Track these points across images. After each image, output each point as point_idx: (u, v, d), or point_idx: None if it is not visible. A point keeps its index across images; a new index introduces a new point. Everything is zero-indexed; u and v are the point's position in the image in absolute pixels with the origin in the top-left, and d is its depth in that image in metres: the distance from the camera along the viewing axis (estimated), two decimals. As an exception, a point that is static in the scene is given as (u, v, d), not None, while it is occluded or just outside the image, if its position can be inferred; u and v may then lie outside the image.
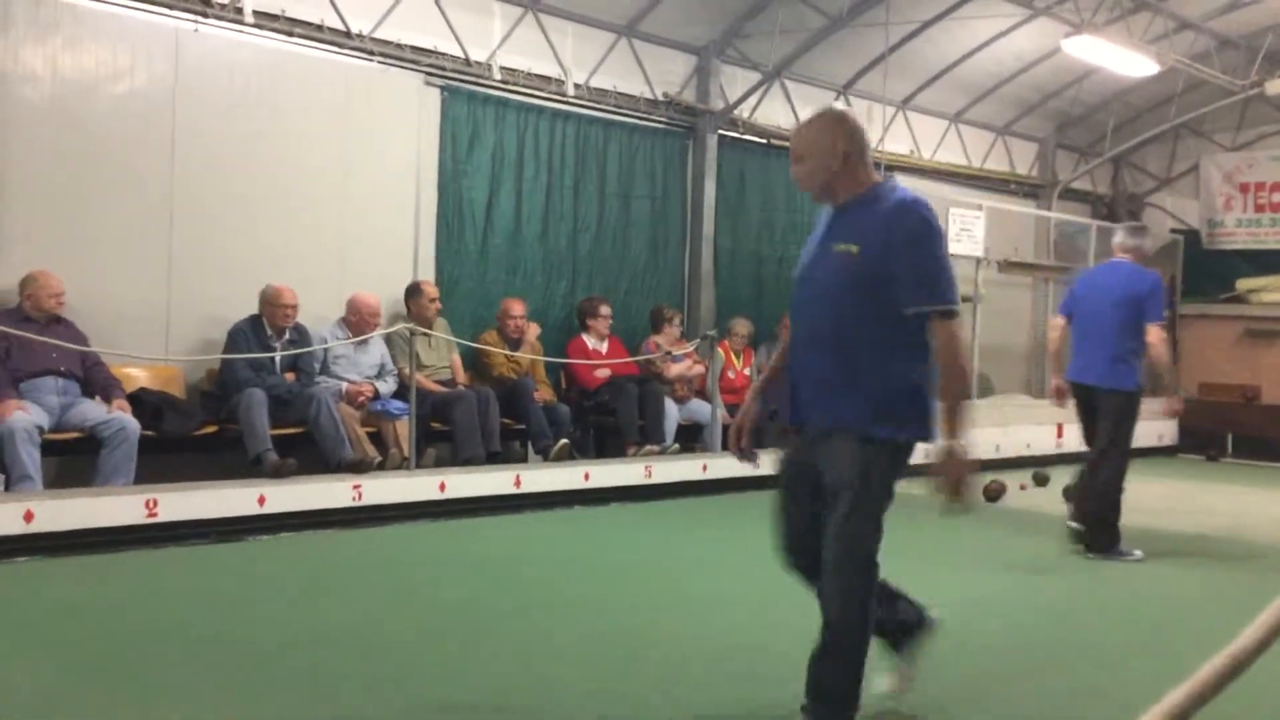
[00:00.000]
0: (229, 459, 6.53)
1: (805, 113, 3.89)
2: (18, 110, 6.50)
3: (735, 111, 10.15)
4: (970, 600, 4.89)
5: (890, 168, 11.40)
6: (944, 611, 3.44)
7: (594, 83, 9.22)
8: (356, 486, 6.43)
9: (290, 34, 7.51)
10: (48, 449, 5.80)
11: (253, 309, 6.99)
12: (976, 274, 10.67)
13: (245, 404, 6.41)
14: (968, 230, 10.49)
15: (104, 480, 5.88)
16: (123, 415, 6.05)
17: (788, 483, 3.21)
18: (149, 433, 6.15)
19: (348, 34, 7.81)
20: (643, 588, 5.13)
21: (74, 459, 6.05)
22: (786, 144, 10.49)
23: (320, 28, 7.66)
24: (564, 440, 7.72)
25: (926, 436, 3.06)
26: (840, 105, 3.55)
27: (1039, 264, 12.52)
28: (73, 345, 6.15)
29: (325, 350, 7.23)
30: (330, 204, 7.77)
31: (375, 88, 7.99)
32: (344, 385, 7.14)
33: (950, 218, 10.27)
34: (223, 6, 7.20)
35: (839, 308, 3.04)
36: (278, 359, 6.90)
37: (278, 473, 6.25)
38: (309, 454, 6.67)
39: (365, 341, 7.43)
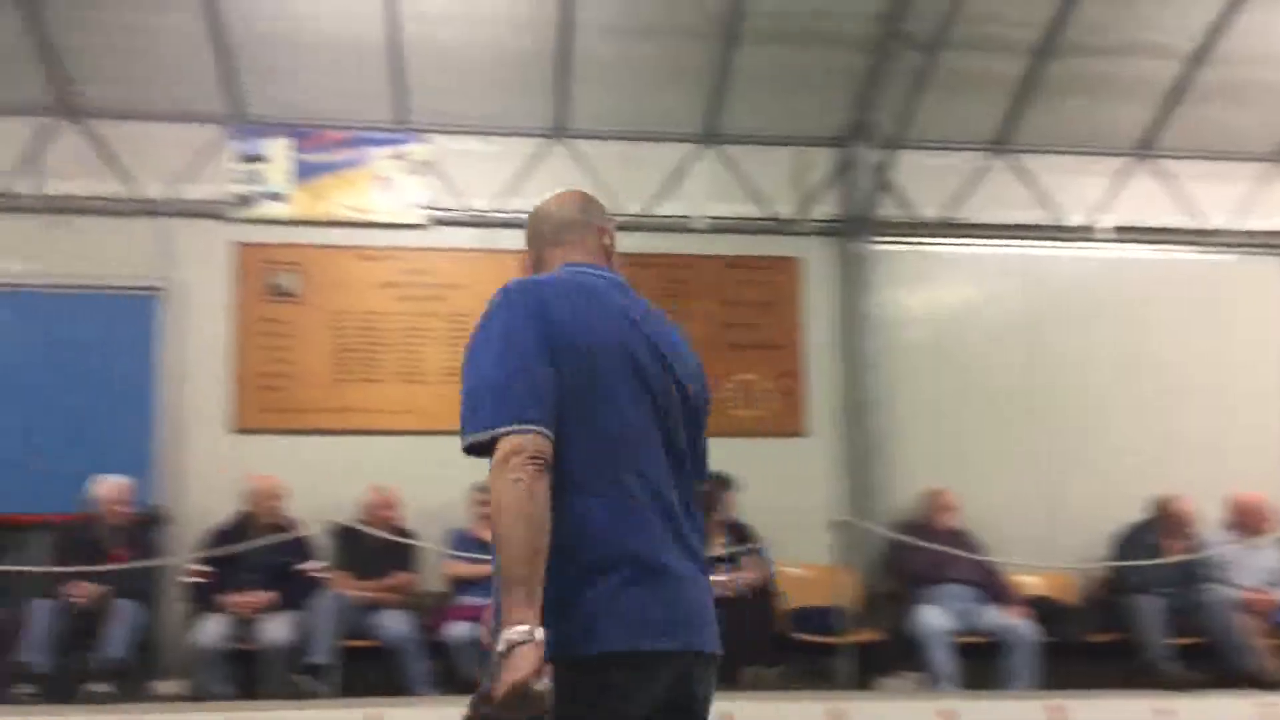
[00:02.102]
0: (1125, 666, 6.45)
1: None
2: (906, 350, 7.51)
3: None
4: None
5: None
6: None
7: None
8: (1266, 705, 5.89)
9: (1145, 241, 7.69)
10: (959, 651, 6.32)
11: (1130, 513, 6.97)
12: None
13: (1139, 611, 6.35)
14: None
15: (1007, 683, 6.22)
16: (1020, 621, 6.39)
17: None
18: (1048, 638, 6.38)
19: (1201, 231, 7.74)
20: None
21: (983, 661, 6.47)
22: None
23: (1173, 230, 7.72)
24: None
25: (595, 643, 1.94)
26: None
27: None
28: (970, 555, 6.72)
29: (1215, 556, 6.89)
30: (1196, 400, 7.56)
31: (1231, 278, 7.77)
32: (1240, 593, 6.69)
33: None
34: (1074, 229, 7.67)
35: None
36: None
37: (1178, 684, 6.02)
38: (1210, 665, 6.32)
39: (1258, 546, 6.92)
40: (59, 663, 5.79)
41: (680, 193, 7.49)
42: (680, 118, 7.41)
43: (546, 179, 7.31)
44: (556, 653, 1.88)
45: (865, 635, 6.56)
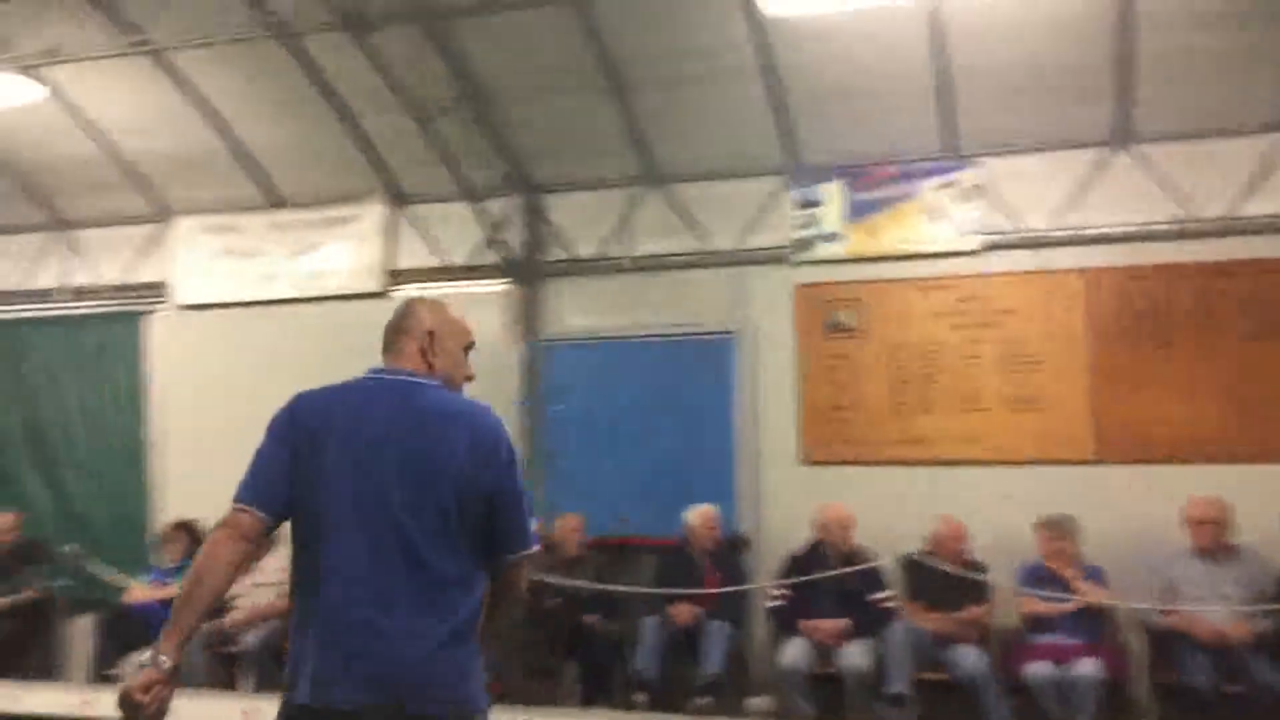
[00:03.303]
0: None
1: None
2: None
3: None
4: None
5: None
6: None
7: None
8: None
9: None
10: None
11: None
12: None
13: None
14: None
15: None
16: None
17: None
18: None
19: None
20: None
21: None
22: None
23: None
24: None
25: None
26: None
27: None
28: None
29: None
30: None
31: None
32: None
33: None
34: None
35: None
36: None
37: None
38: None
39: None
40: (664, 674, 6.45)
41: (1267, 190, 6.66)
42: (1259, 107, 6.61)
43: (1108, 190, 6.93)
44: (286, 697, 2.46)
45: None
